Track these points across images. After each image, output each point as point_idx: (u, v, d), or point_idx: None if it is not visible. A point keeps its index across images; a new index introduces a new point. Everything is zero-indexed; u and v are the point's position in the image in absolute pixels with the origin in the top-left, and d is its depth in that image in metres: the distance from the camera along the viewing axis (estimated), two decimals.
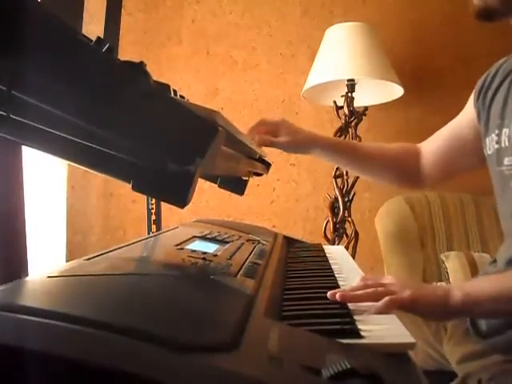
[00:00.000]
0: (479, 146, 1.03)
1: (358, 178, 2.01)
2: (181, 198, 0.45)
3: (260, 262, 0.74)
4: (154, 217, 2.06)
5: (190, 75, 2.36)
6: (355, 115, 2.05)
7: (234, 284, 0.58)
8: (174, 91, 0.54)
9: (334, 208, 2.07)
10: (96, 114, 0.40)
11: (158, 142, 0.42)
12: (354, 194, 2.07)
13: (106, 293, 0.45)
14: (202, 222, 1.14)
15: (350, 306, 0.62)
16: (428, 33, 2.28)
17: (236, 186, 1.00)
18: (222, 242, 0.85)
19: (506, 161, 0.92)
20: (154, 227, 2.06)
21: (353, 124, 2.05)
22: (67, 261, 2.20)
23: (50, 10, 0.36)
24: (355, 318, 0.57)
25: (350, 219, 2.05)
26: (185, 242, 0.77)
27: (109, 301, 0.42)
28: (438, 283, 1.76)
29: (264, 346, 0.39)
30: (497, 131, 0.95)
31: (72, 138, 0.45)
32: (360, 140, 2.03)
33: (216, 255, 0.71)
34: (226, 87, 2.35)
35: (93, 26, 2.06)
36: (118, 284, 0.49)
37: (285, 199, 2.31)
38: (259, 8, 2.35)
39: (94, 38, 0.41)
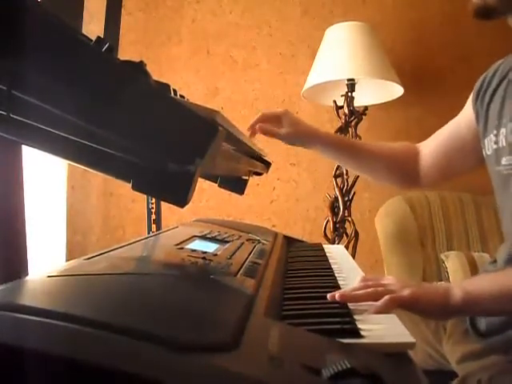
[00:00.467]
0: (478, 146, 1.04)
1: (357, 177, 2.01)
2: (181, 198, 0.45)
3: (260, 261, 0.74)
4: (153, 216, 2.06)
5: (189, 75, 2.36)
6: (355, 115, 2.05)
7: (234, 284, 0.58)
8: (174, 91, 0.54)
9: (333, 208, 2.07)
10: (96, 113, 0.40)
11: (158, 141, 0.42)
12: (354, 193, 2.07)
13: (106, 292, 0.45)
14: (201, 221, 1.14)
15: (350, 305, 0.62)
16: (428, 33, 2.28)
17: (236, 185, 1.00)
18: (222, 241, 0.85)
19: (504, 160, 0.92)
20: (154, 227, 2.06)
21: (353, 124, 2.05)
22: (67, 261, 2.20)
23: (50, 10, 0.36)
24: (355, 317, 0.57)
25: (349, 219, 2.05)
26: (185, 241, 0.77)
27: (109, 300, 0.42)
28: (438, 283, 1.76)
29: (264, 346, 0.39)
30: (495, 131, 0.96)
31: (72, 137, 0.45)
32: (360, 139, 2.02)
33: (216, 255, 0.71)
34: (225, 87, 2.35)
35: (93, 26, 2.05)
36: (117, 284, 0.49)
37: (285, 199, 2.31)
38: (259, 8, 2.35)
39: (93, 38, 0.41)
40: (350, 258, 1.03)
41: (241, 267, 0.66)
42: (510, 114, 0.91)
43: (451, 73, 2.24)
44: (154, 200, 2.06)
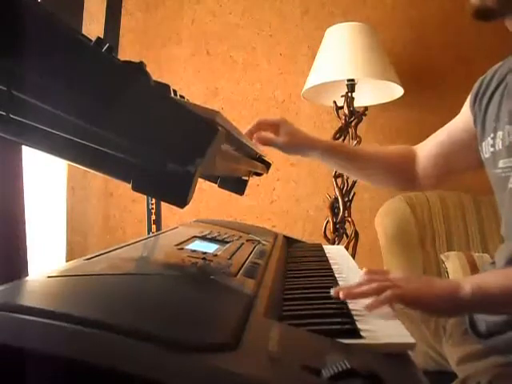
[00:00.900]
0: (476, 148, 1.03)
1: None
2: (181, 198, 0.45)
3: (260, 262, 0.74)
4: (154, 217, 2.06)
5: (189, 75, 2.36)
6: (355, 115, 2.05)
7: (234, 284, 0.58)
8: (174, 91, 0.54)
9: (334, 208, 2.07)
10: (96, 114, 0.40)
11: (158, 142, 0.42)
12: (354, 193, 2.07)
13: (106, 293, 0.45)
14: (201, 221, 1.14)
15: (351, 303, 0.62)
16: (428, 33, 2.28)
17: (236, 185, 1.00)
18: (222, 242, 0.85)
19: (501, 163, 0.92)
20: (154, 227, 2.06)
21: (353, 124, 2.05)
22: (67, 261, 2.20)
23: (49, 10, 0.36)
24: (355, 317, 0.57)
25: (350, 219, 2.05)
26: (185, 241, 0.77)
27: (109, 301, 0.42)
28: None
29: (264, 346, 0.39)
30: (492, 135, 0.96)
31: (72, 137, 0.45)
32: (360, 140, 2.03)
33: (216, 255, 0.71)
34: (225, 87, 2.35)
35: (93, 26, 2.05)
36: (117, 284, 0.49)
37: (285, 199, 2.31)
38: (259, 8, 2.35)
39: (93, 38, 0.41)
40: (350, 258, 1.03)
41: (241, 268, 0.66)
42: (507, 117, 0.91)
43: (451, 73, 2.24)
44: (153, 200, 2.06)
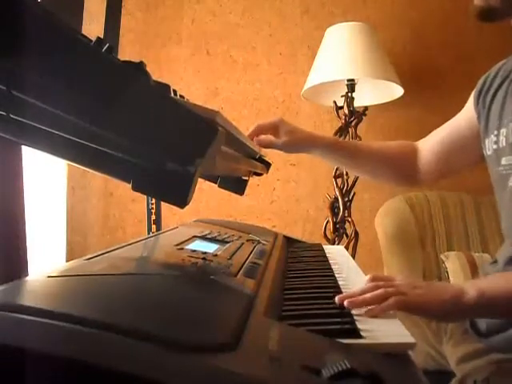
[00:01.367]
0: (478, 145, 1.04)
1: (358, 177, 2.01)
2: (181, 198, 0.45)
3: (260, 261, 0.74)
4: (153, 217, 2.06)
5: (189, 75, 2.36)
6: (355, 115, 2.05)
7: (234, 284, 0.58)
8: (174, 91, 0.54)
9: (334, 208, 2.07)
10: (96, 113, 0.40)
11: (158, 141, 0.42)
12: (354, 193, 2.07)
13: (106, 293, 0.45)
14: (201, 221, 1.13)
15: None
16: (428, 32, 2.28)
17: (236, 185, 1.00)
18: (222, 241, 0.85)
19: (504, 161, 0.92)
20: (154, 227, 2.06)
21: (353, 124, 2.05)
22: (67, 261, 2.20)
23: (49, 10, 0.36)
24: (355, 317, 0.57)
25: (350, 219, 2.05)
26: (185, 241, 0.77)
27: (109, 301, 0.42)
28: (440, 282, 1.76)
29: (264, 346, 0.39)
30: (495, 132, 0.96)
31: (72, 137, 0.45)
32: (360, 140, 2.03)
33: (216, 255, 0.71)
34: (225, 87, 2.35)
35: (93, 26, 2.06)
36: (118, 284, 0.49)
37: (285, 199, 2.31)
38: (259, 8, 2.35)
39: (93, 38, 0.41)
40: (350, 258, 1.03)
41: (241, 267, 0.66)
42: (511, 115, 0.91)
43: (451, 73, 2.24)
44: (153, 200, 2.06)
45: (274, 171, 1.93)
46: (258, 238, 0.97)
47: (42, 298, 0.41)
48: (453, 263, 1.77)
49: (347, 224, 2.06)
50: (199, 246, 0.76)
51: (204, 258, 0.66)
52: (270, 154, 1.10)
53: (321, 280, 0.76)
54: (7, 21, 0.34)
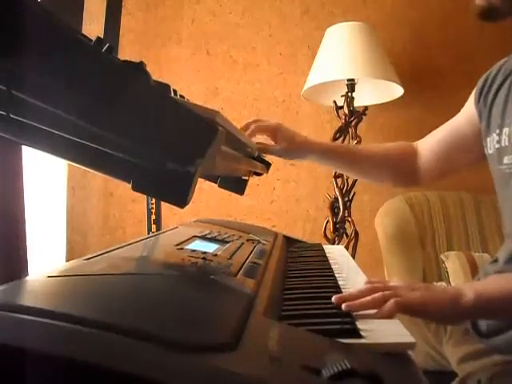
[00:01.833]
0: (478, 143, 1.04)
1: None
2: (181, 198, 0.45)
3: (260, 261, 0.74)
4: (154, 217, 2.06)
5: (189, 75, 2.36)
6: (355, 115, 2.05)
7: (234, 284, 0.58)
8: (174, 91, 0.54)
9: (334, 208, 2.07)
10: (96, 113, 0.40)
11: (158, 141, 0.42)
12: (354, 193, 2.07)
13: (106, 293, 0.45)
14: (201, 221, 1.13)
15: None
16: (428, 33, 2.28)
17: (236, 185, 1.00)
18: (222, 241, 0.85)
19: (506, 160, 0.92)
20: (154, 227, 2.06)
21: (353, 124, 2.05)
22: (67, 261, 2.20)
23: (49, 10, 0.36)
24: (355, 317, 0.57)
25: (350, 219, 2.05)
26: (185, 241, 0.77)
27: (109, 301, 0.42)
28: (438, 283, 1.76)
29: (264, 346, 0.39)
30: (498, 131, 0.96)
31: (72, 137, 0.45)
32: (360, 140, 2.03)
33: (216, 255, 0.71)
34: (225, 87, 2.35)
35: (93, 26, 2.06)
36: (117, 284, 0.49)
37: (285, 199, 2.31)
38: (259, 8, 2.35)
39: (93, 38, 0.41)
40: (350, 258, 1.03)
41: (241, 267, 0.66)
42: None
43: (451, 73, 2.24)
44: (154, 200, 2.06)
45: (273, 171, 1.93)
46: (258, 238, 0.97)
47: (42, 297, 0.41)
48: (453, 263, 1.77)
49: (347, 224, 2.06)
50: (199, 245, 0.76)
51: (204, 258, 0.65)
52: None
53: (321, 280, 0.76)
54: (7, 21, 0.34)
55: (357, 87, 2.03)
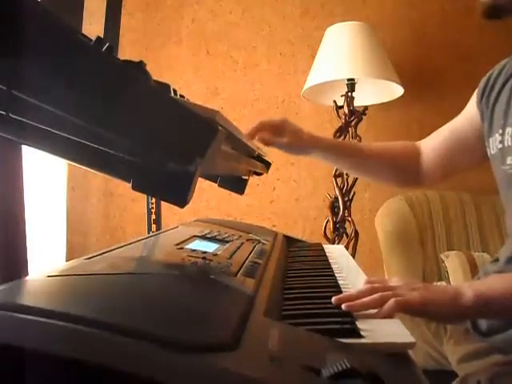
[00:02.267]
0: (480, 144, 1.03)
1: (358, 177, 2.01)
2: (181, 198, 0.45)
3: (260, 261, 0.74)
4: (154, 216, 2.06)
5: (189, 75, 2.36)
6: (355, 115, 2.05)
7: (234, 283, 0.58)
8: (174, 91, 0.54)
9: (333, 208, 2.07)
10: (96, 113, 0.40)
11: (158, 141, 0.42)
12: (354, 193, 2.07)
13: (106, 292, 0.45)
14: (201, 221, 1.14)
15: None
16: (428, 33, 2.28)
17: (236, 185, 1.00)
18: (222, 241, 0.85)
19: (509, 160, 0.92)
20: (154, 227, 2.06)
21: (353, 124, 2.05)
22: (67, 261, 2.20)
23: (49, 10, 0.36)
24: (355, 317, 0.57)
25: (350, 219, 2.05)
26: (185, 241, 0.77)
27: (109, 300, 0.42)
28: (438, 283, 1.76)
29: (264, 346, 0.39)
30: (500, 131, 0.95)
31: (72, 137, 0.45)
32: (360, 140, 2.03)
33: (216, 255, 0.71)
34: (225, 87, 2.35)
35: (93, 26, 2.05)
36: (117, 283, 0.49)
37: (285, 199, 2.31)
38: (259, 8, 2.35)
39: (93, 38, 0.41)
40: (350, 257, 1.03)
41: (241, 267, 0.66)
42: None
43: (451, 73, 2.24)
44: (153, 200, 2.06)
45: (273, 171, 1.93)
46: (257, 238, 0.97)
47: (42, 297, 0.41)
48: (453, 263, 1.77)
49: (347, 224, 2.06)
50: (199, 245, 0.76)
51: (204, 258, 0.65)
52: (270, 154, 1.09)
53: (321, 279, 0.76)
54: (7, 21, 0.34)
55: (357, 87, 2.03)
